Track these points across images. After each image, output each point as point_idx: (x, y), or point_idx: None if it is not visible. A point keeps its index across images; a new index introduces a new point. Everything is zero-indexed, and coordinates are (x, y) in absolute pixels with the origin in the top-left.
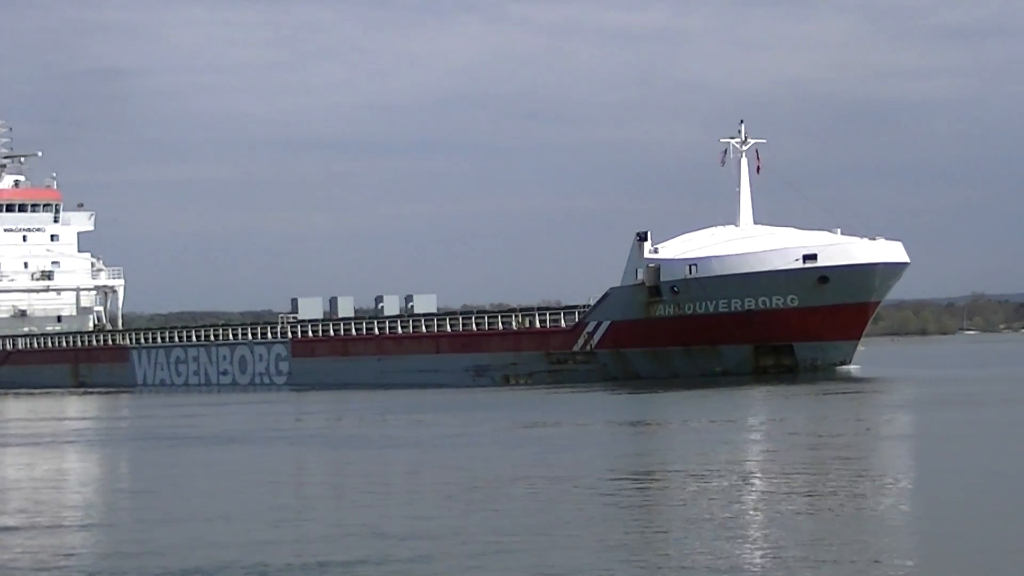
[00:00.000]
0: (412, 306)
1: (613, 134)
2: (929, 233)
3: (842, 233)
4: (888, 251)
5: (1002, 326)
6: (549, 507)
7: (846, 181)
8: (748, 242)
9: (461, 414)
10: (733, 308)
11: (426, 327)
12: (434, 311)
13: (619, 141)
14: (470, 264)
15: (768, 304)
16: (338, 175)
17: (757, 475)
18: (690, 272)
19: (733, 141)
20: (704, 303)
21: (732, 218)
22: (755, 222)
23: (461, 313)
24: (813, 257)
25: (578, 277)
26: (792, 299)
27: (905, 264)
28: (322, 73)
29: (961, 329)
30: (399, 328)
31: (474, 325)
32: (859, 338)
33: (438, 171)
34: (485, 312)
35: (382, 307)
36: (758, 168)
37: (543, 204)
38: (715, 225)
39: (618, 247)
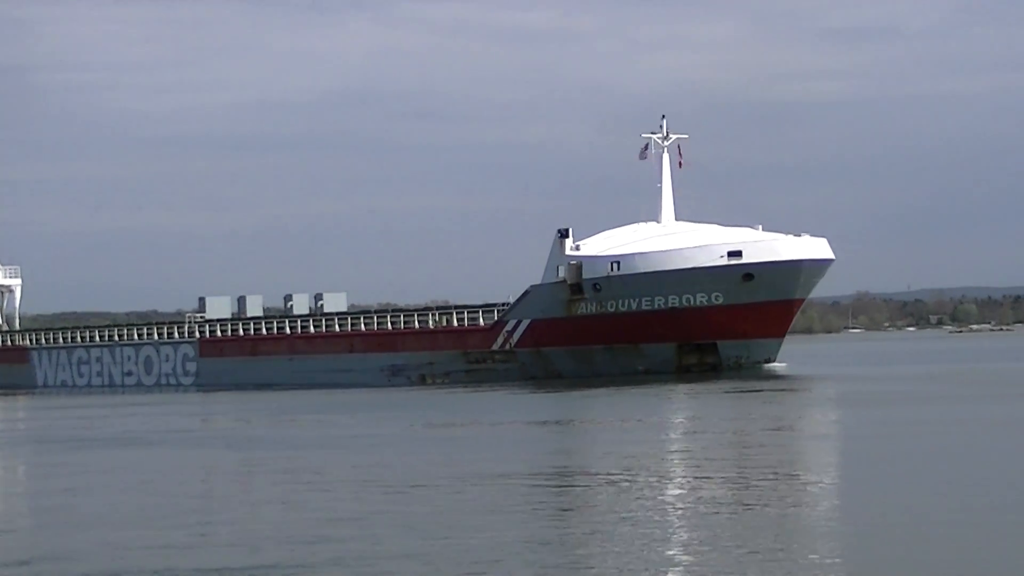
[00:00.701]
0: (322, 305)
1: (506, 134)
2: (815, 232)
3: (764, 230)
4: (813, 248)
5: (887, 324)
6: (459, 509)
7: (744, 179)
8: (671, 239)
9: (371, 414)
10: (656, 306)
11: (339, 326)
12: (345, 310)
13: (513, 141)
14: (380, 263)
15: (692, 302)
16: (229, 173)
17: (678, 475)
18: (612, 269)
19: (655, 136)
20: (627, 301)
21: (653, 215)
22: (676, 219)
23: (376, 312)
24: (738, 254)
25: (493, 277)
26: (716, 296)
27: (830, 261)
28: (211, 70)
29: (846, 327)
30: (311, 327)
31: (389, 324)
32: (784, 336)
33: (330, 169)
34: (400, 310)
35: (291, 306)
36: (680, 164)
37: (444, 203)
38: (636, 222)
39: (524, 246)
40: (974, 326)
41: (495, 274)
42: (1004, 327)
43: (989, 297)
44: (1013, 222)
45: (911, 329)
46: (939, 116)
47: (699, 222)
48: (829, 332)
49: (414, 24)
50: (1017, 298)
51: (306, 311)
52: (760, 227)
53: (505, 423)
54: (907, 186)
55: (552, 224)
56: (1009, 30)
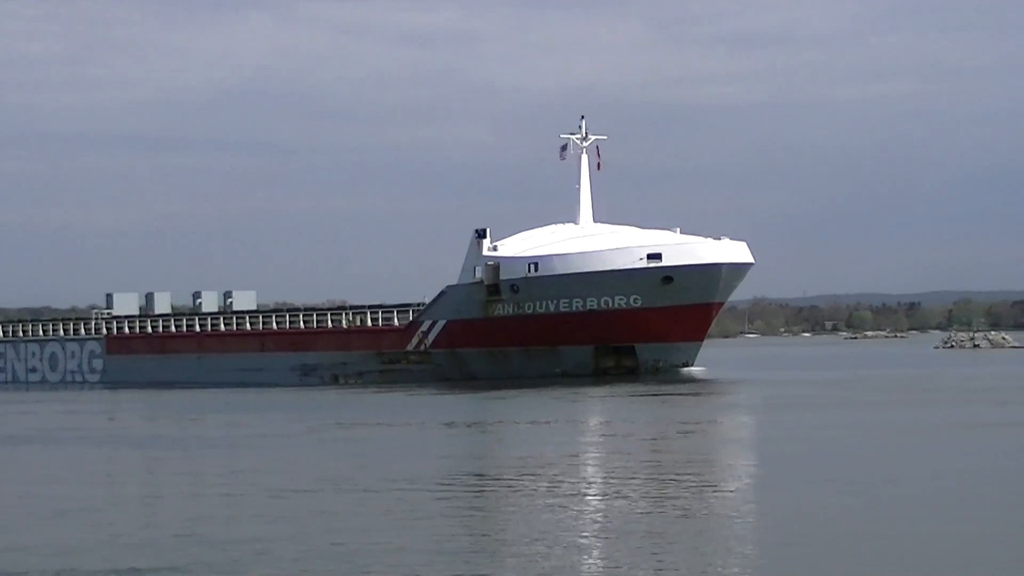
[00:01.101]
0: (231, 303)
1: (405, 134)
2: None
3: (682, 232)
4: (733, 251)
5: (782, 330)
6: (361, 512)
7: (649, 181)
8: (590, 240)
9: (277, 414)
10: (575, 308)
11: (251, 324)
12: (254, 308)
13: (413, 142)
14: (290, 262)
15: (611, 304)
16: (125, 171)
17: (589, 480)
18: (530, 271)
19: (574, 137)
20: (545, 302)
21: (571, 216)
22: (594, 220)
23: (288, 310)
24: (657, 256)
25: (406, 278)
26: (635, 299)
27: (750, 264)
28: (109, 68)
29: (742, 332)
30: (221, 325)
31: (301, 323)
32: (703, 340)
33: (229, 168)
34: (313, 309)
35: (200, 303)
36: (599, 164)
37: (349, 204)
38: (551, 223)
39: (428, 247)
40: (869, 332)
41: (406, 275)
42: (899, 334)
43: (884, 304)
44: (908, 230)
45: (807, 335)
46: (836, 123)
47: (617, 224)
48: (726, 336)
49: (314, 23)
50: (912, 305)
51: (215, 308)
52: (678, 230)
53: (411, 424)
54: (803, 192)
55: (457, 225)
56: (903, 38)
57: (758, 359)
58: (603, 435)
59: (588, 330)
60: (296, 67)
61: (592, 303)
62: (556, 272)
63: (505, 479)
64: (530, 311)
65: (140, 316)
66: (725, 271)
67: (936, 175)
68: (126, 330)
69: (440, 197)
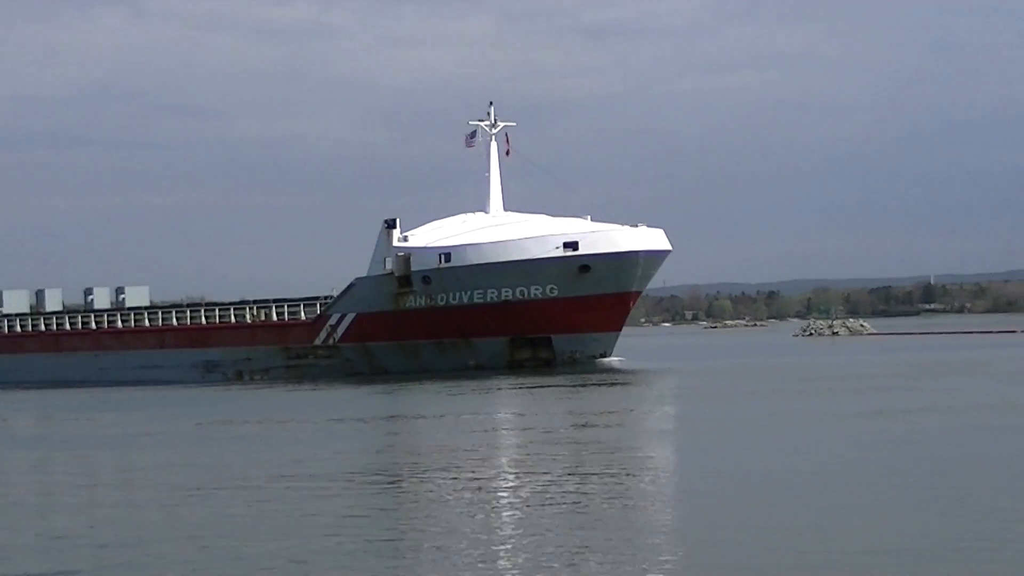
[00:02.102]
0: (124, 299)
1: (261, 129)
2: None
3: (592, 220)
4: (650, 239)
5: (643, 320)
6: (250, 512)
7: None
8: (503, 229)
9: (169, 410)
10: (489, 299)
11: (149, 320)
12: (147, 303)
13: (268, 137)
14: (183, 258)
15: (526, 295)
16: None
17: (504, 474)
18: (443, 261)
19: (483, 124)
20: (458, 294)
21: (479, 205)
22: (503, 209)
23: (188, 305)
24: (574, 245)
25: (301, 274)
26: (552, 289)
27: (667, 252)
28: None
29: None
30: (119, 321)
31: (203, 318)
32: (620, 330)
33: (81, 165)
34: (215, 305)
35: (92, 300)
36: (507, 151)
37: (215, 198)
38: (455, 213)
39: (320, 242)
40: (729, 322)
41: (301, 271)
42: (758, 323)
43: (743, 293)
44: (766, 219)
45: (667, 325)
46: (690, 113)
47: (527, 212)
48: None
49: (168, 18)
50: (770, 294)
51: (107, 304)
52: (589, 217)
53: (314, 421)
54: (661, 182)
55: (347, 221)
56: (756, 29)
57: (643, 350)
58: (510, 428)
59: (503, 321)
60: (151, 63)
61: (507, 294)
62: (470, 262)
63: (412, 475)
64: (443, 303)
65: (31, 314)
66: (643, 259)
67: (793, 165)
68: (17, 328)
69: (313, 193)
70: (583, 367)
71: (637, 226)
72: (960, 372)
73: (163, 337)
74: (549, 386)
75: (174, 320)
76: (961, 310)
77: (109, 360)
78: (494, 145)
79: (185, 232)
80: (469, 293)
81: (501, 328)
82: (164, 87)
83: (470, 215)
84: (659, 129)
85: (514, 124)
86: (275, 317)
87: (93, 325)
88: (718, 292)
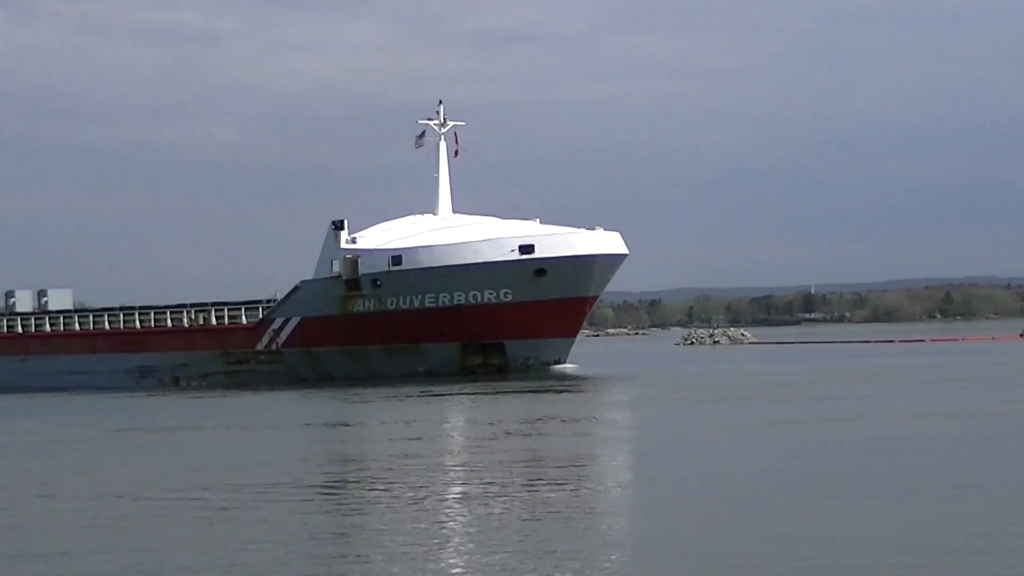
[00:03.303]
0: (46, 302)
1: (144, 135)
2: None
3: (541, 223)
4: (607, 242)
5: None
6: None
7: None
8: (455, 232)
9: (88, 417)
10: (441, 303)
11: (80, 324)
12: (70, 307)
13: (153, 142)
14: (108, 262)
15: (479, 299)
16: None
17: (451, 483)
18: (393, 264)
19: (432, 123)
20: (409, 298)
21: (428, 206)
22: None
23: (122, 309)
24: (530, 248)
25: (226, 279)
26: (506, 293)
27: (624, 256)
28: None
29: None
30: (47, 325)
31: (137, 322)
32: (575, 335)
33: None
34: (151, 308)
35: (14, 303)
36: (456, 152)
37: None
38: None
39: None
40: (611, 330)
41: (225, 276)
42: (640, 331)
43: (625, 301)
44: (648, 227)
45: None
46: (577, 122)
47: (473, 214)
48: None
49: (53, 21)
50: (652, 302)
51: (29, 308)
52: (538, 220)
53: (242, 428)
54: (552, 190)
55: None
56: (643, 39)
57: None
58: (468, 435)
59: (455, 326)
60: (32, 65)
61: (460, 298)
62: (422, 265)
63: (354, 484)
64: (393, 307)
65: None
66: (600, 263)
67: (675, 174)
68: None
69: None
70: (537, 373)
71: (594, 229)
72: (869, 380)
73: (95, 341)
74: (501, 392)
75: (106, 324)
76: (841, 319)
77: (37, 365)
78: (443, 145)
79: (98, 237)
80: (421, 297)
81: (453, 333)
82: (45, 90)
83: (419, 217)
84: (551, 137)
85: (463, 124)
86: (214, 321)
87: (20, 329)
88: (600, 300)
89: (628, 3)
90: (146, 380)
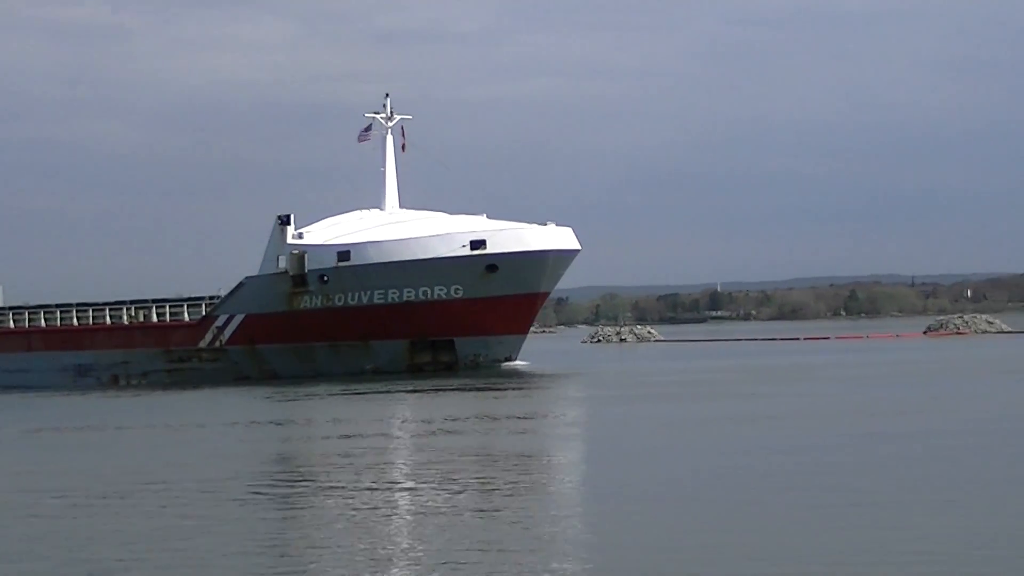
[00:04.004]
0: None
1: (47, 131)
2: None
3: (488, 218)
4: (560, 238)
5: None
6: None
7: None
8: (403, 227)
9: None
10: (390, 299)
11: (15, 320)
12: (1, 304)
13: (56, 139)
14: (35, 260)
15: (429, 295)
16: None
17: (395, 483)
18: (340, 260)
19: (378, 116)
20: (357, 294)
21: (376, 201)
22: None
23: (58, 306)
24: (481, 243)
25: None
26: (456, 289)
27: (576, 251)
28: None
29: None
30: None
31: (75, 319)
32: (527, 332)
33: None
34: (88, 305)
35: None
36: (403, 146)
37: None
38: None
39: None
40: None
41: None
42: (547, 329)
43: None
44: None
45: None
46: (489, 118)
47: (422, 209)
48: None
49: None
50: (559, 300)
51: None
52: (485, 215)
53: (169, 426)
54: (470, 188)
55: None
56: (548, 37)
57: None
58: (410, 433)
59: (403, 323)
60: None
61: (409, 294)
62: (371, 261)
63: (293, 485)
64: (340, 303)
65: None
66: (552, 259)
67: (579, 174)
68: None
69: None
70: (486, 371)
71: (546, 224)
72: (789, 379)
73: (29, 339)
74: (445, 390)
75: (42, 321)
76: (747, 317)
77: None
78: (390, 139)
79: (21, 234)
80: (369, 293)
81: (402, 330)
82: None
83: (366, 212)
84: (454, 136)
85: (410, 117)
86: (155, 318)
87: None
88: None
89: (531, 2)
90: (84, 379)
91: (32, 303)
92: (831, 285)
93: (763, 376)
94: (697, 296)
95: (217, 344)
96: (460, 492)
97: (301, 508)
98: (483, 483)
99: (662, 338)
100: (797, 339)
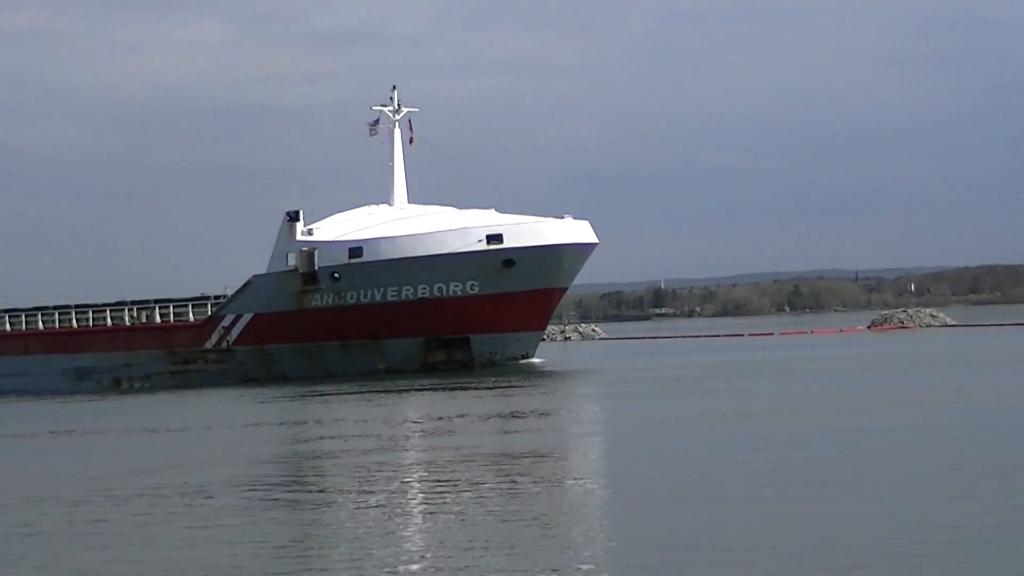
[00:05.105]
0: None
1: None
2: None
3: (497, 212)
4: (577, 231)
5: None
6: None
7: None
8: (415, 222)
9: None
10: (404, 297)
11: (11, 323)
12: None
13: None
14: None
15: (444, 292)
16: None
17: (417, 485)
18: (352, 256)
19: (386, 109)
20: (370, 291)
21: (383, 197)
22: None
23: (57, 308)
24: (498, 238)
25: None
26: (472, 286)
27: (594, 245)
28: None
29: None
30: None
31: (74, 321)
32: (543, 329)
33: None
34: (88, 306)
35: None
36: (411, 140)
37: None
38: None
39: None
40: None
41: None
42: None
43: None
44: None
45: None
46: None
47: (430, 204)
48: None
49: None
50: None
51: None
52: (493, 210)
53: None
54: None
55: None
56: (488, 36)
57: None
58: (425, 432)
59: (417, 321)
60: None
61: (424, 291)
62: (384, 257)
63: (305, 487)
64: (352, 301)
65: None
66: (569, 252)
67: (519, 172)
68: None
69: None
70: (502, 369)
71: (563, 217)
72: (760, 375)
73: (27, 342)
74: (468, 391)
75: (40, 323)
76: (691, 314)
77: None
78: (398, 133)
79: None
80: (383, 290)
81: (416, 328)
82: None
83: (375, 207)
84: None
85: (418, 110)
86: (158, 319)
87: None
88: None
89: (468, 2)
90: (84, 382)
91: (33, 305)
92: (775, 281)
93: (741, 372)
94: (641, 294)
95: (223, 345)
96: (469, 493)
97: (313, 509)
98: (494, 484)
99: (606, 336)
100: (741, 335)
